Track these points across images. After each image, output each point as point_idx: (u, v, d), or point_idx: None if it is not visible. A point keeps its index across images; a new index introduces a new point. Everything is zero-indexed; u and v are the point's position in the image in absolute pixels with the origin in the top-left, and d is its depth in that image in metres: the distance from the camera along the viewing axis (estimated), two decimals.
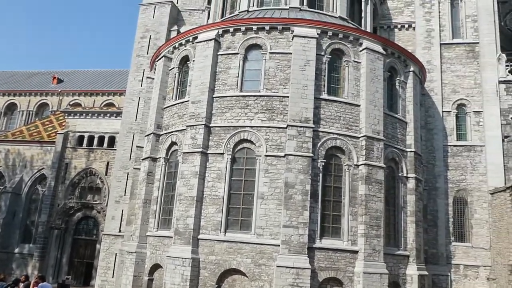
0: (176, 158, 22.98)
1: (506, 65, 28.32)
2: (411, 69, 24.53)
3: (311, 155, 20.19)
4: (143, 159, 25.10)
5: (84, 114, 36.81)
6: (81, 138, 36.11)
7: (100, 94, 47.00)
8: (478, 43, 29.00)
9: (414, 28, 30.20)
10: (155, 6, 34.86)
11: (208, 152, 21.33)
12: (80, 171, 35.25)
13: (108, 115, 36.44)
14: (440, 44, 29.33)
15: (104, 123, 36.11)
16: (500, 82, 27.88)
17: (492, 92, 27.73)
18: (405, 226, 22.51)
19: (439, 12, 29.91)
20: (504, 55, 28.53)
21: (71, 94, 48.20)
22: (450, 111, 28.34)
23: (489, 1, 29.30)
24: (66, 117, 37.73)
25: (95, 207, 34.54)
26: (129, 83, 34.03)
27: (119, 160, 32.14)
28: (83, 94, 47.48)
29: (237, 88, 21.93)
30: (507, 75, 28.09)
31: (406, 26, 30.57)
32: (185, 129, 22.22)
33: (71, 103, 46.49)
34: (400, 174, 22.91)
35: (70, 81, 51.33)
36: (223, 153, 21.08)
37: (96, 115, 36.67)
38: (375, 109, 21.74)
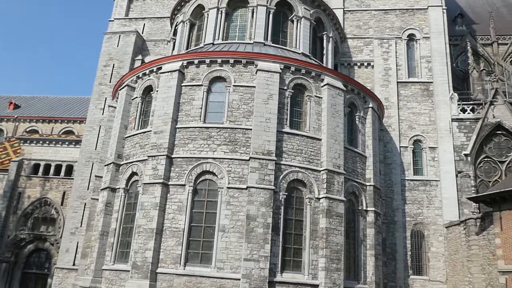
0: (136, 189, 22.51)
1: (458, 104, 29.86)
2: (370, 105, 25.40)
3: (273, 187, 20.29)
4: (101, 189, 24.42)
5: (41, 142, 35.64)
6: (36, 167, 34.82)
7: (59, 121, 45.71)
8: (432, 82, 30.59)
9: (372, 66, 31.53)
10: (120, 35, 34.86)
11: (169, 183, 21.03)
12: (34, 201, 33.81)
13: (67, 143, 35.44)
14: (397, 82, 30.75)
15: (62, 151, 35.05)
16: (453, 120, 29.33)
17: (446, 129, 29.07)
18: (365, 260, 22.74)
19: (396, 52, 31.49)
20: (456, 94, 30.16)
21: (28, 120, 46.62)
22: (407, 147, 29.40)
23: (442, 44, 31.14)
24: (21, 144, 36.39)
25: (49, 239, 33.03)
26: (90, 111, 33.42)
27: (76, 190, 31.13)
28: (41, 120, 46.05)
29: (200, 119, 21.96)
30: (459, 113, 29.60)
31: (365, 64, 31.85)
32: (146, 160, 21.89)
33: (27, 129, 44.96)
34: (360, 208, 23.31)
35: (27, 107, 49.75)
36: (184, 185, 20.85)
37: (54, 142, 35.57)
38: (336, 143, 22.24)
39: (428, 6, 32.49)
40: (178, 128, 22.04)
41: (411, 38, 32.20)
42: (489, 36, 42.16)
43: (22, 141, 36.44)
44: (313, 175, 21.54)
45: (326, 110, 22.57)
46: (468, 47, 36.86)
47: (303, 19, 27.64)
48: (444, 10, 32.32)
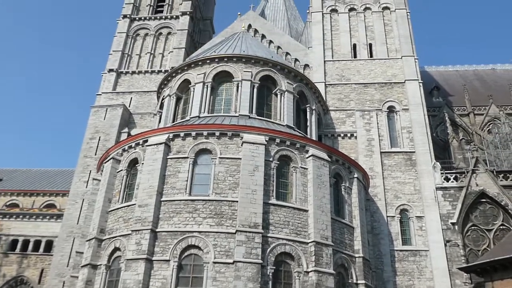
0: (118, 265, 21.63)
1: (441, 173, 30.31)
2: (355, 175, 25.62)
3: (261, 261, 19.73)
4: (82, 266, 23.42)
5: (21, 216, 34.72)
6: (14, 242, 33.61)
7: (41, 194, 44.70)
8: (414, 152, 31.24)
9: (356, 137, 32.23)
10: (106, 109, 35.36)
11: (153, 258, 20.31)
12: (10, 280, 32.23)
13: (48, 217, 34.56)
14: (381, 152, 31.33)
15: (43, 226, 34.05)
16: (437, 188, 29.62)
17: (431, 198, 29.24)
18: None
19: (378, 123, 32.41)
20: (438, 163, 30.71)
21: (9, 194, 45.49)
22: (394, 216, 29.31)
23: (421, 115, 32.26)
24: (0, 219, 35.28)
25: None
26: (74, 184, 32.96)
27: (56, 267, 29.81)
28: (22, 194, 44.96)
29: (186, 192, 21.76)
30: (443, 182, 29.96)
31: (349, 135, 32.56)
32: (130, 234, 21.29)
33: (7, 203, 43.74)
34: (350, 281, 22.66)
35: (9, 180, 48.79)
36: (169, 260, 20.14)
37: (34, 217, 34.67)
38: (323, 214, 22.08)
39: (405, 80, 34.04)
40: (163, 201, 21.73)
41: (391, 109, 33.34)
42: (465, 107, 44.03)
43: (0, 216, 35.36)
44: (301, 248, 21.10)
45: (312, 181, 22.64)
46: (446, 118, 38.21)
47: (286, 92, 28.55)
48: (421, 84, 33.85)
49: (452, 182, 30.05)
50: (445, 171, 30.62)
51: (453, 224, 28.44)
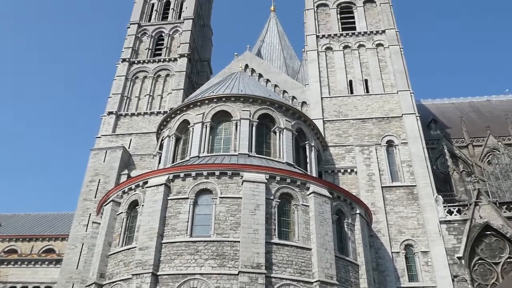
0: None
1: (444, 206, 30.03)
2: (357, 211, 25.37)
3: None
4: None
5: (19, 262, 34.05)
6: None
7: (40, 239, 44.09)
8: (415, 186, 31.04)
9: (356, 172, 32.11)
10: (106, 151, 35.43)
11: None
12: None
13: (47, 262, 33.88)
14: (382, 187, 31.12)
15: (41, 272, 33.35)
16: (441, 222, 29.25)
17: (435, 233, 28.83)
18: None
19: (377, 158, 32.39)
20: (440, 196, 30.46)
21: (7, 239, 44.87)
22: (399, 252, 28.78)
23: (420, 149, 32.30)
24: None
25: None
26: (73, 227, 32.58)
27: None
28: (20, 239, 44.34)
29: (187, 233, 21.49)
30: (446, 215, 29.64)
31: (349, 170, 32.45)
32: (130, 278, 20.86)
33: (6, 249, 43.05)
34: None
35: (8, 225, 48.25)
36: None
37: (32, 263, 33.99)
38: (326, 253, 21.71)
39: (403, 114, 34.32)
40: (164, 243, 21.43)
41: (390, 144, 33.41)
42: (463, 139, 44.19)
43: None
44: None
45: (314, 218, 22.41)
46: (446, 150, 38.27)
47: (285, 130, 28.72)
48: (418, 117, 34.10)
49: (456, 215, 29.72)
50: (448, 204, 30.34)
51: (459, 258, 27.93)
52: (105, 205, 25.92)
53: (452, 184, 35.85)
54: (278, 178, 23.07)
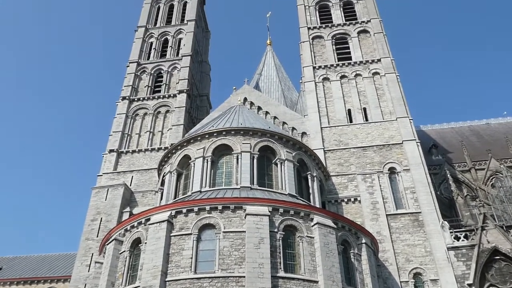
0: None
1: (451, 232, 29.61)
2: (363, 241, 25.02)
3: None
4: None
5: None
6: None
7: (42, 281, 43.28)
8: (420, 212, 30.70)
9: (360, 201, 31.83)
10: (108, 189, 35.30)
11: None
12: None
13: None
14: (386, 215, 30.76)
15: None
16: (448, 248, 28.78)
17: (443, 260, 28.32)
18: None
19: (380, 185, 32.18)
20: (446, 222, 30.08)
21: (8, 283, 44.08)
22: (408, 281, 28.18)
23: (423, 175, 32.14)
24: None
25: None
26: (76, 268, 32.09)
27: None
28: (22, 282, 43.55)
29: (191, 270, 21.14)
30: (454, 241, 29.19)
31: (352, 199, 32.18)
32: None
33: None
34: None
35: (9, 268, 47.50)
36: None
37: None
38: (333, 285, 21.27)
39: (403, 141, 34.36)
40: (168, 281, 21.06)
41: (392, 171, 33.28)
42: (465, 163, 44.12)
43: None
44: None
45: (319, 250, 22.07)
46: (448, 175, 38.11)
47: (286, 161, 28.70)
48: (418, 143, 34.13)
49: (463, 240, 29.27)
50: (454, 230, 29.92)
51: (469, 285, 27.32)
52: (107, 244, 25.61)
53: (457, 209, 35.53)
54: (281, 210, 22.88)
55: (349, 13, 45.23)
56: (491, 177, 42.41)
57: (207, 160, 28.38)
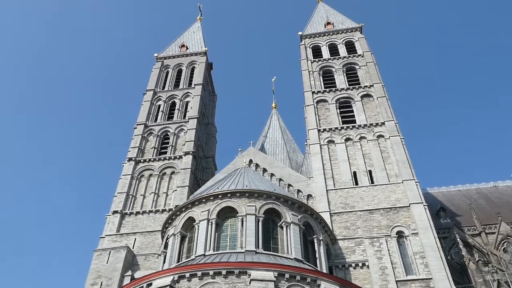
0: None
1: None
2: None
3: None
4: None
5: None
6: None
7: None
8: (431, 278, 29.53)
9: (368, 266, 30.78)
10: (110, 252, 34.54)
11: None
12: None
13: None
14: (396, 281, 29.56)
15: None
16: None
17: None
18: None
19: (388, 250, 31.26)
20: None
21: None
22: None
23: (432, 239, 31.31)
24: None
25: None
26: None
27: None
28: None
29: None
30: None
31: (360, 264, 31.12)
32: None
33: None
34: None
35: None
36: None
37: None
38: None
39: (410, 204, 33.87)
40: None
41: (400, 235, 32.49)
42: (475, 227, 43.18)
43: None
44: None
45: None
46: (458, 239, 37.21)
47: (292, 224, 28.23)
48: (426, 206, 33.56)
49: None
50: None
51: None
52: None
53: (469, 275, 34.33)
54: (287, 275, 22.22)
55: (352, 78, 46.54)
56: (502, 241, 41.32)
57: (211, 222, 28.00)
